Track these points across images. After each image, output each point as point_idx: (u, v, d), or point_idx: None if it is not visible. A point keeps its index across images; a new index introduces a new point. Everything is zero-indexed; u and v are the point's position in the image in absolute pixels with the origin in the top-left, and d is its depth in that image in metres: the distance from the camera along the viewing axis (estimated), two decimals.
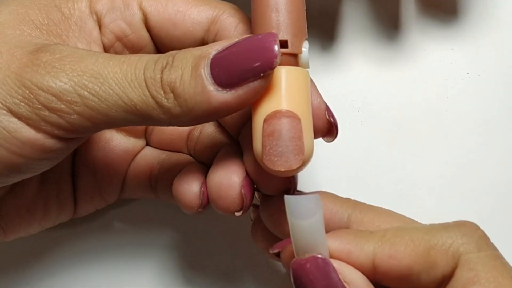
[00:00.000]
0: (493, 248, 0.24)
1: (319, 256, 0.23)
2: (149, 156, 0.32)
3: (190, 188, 0.28)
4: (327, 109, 0.27)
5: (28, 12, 0.27)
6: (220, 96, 0.24)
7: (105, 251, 0.35)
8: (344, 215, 0.27)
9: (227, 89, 0.24)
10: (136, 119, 0.25)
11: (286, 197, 0.23)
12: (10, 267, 0.34)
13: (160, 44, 0.29)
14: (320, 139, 0.28)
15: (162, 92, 0.24)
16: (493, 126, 0.35)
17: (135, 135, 0.32)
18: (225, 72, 0.24)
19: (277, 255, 0.26)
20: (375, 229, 0.25)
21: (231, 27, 0.28)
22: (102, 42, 0.28)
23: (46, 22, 0.27)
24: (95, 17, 0.28)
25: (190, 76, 0.24)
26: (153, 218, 0.35)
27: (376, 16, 0.36)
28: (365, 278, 0.23)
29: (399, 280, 0.23)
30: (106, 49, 0.29)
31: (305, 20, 0.26)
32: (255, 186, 0.28)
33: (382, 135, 0.35)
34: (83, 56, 0.25)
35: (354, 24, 0.36)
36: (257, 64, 0.24)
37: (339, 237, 0.24)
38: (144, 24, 0.28)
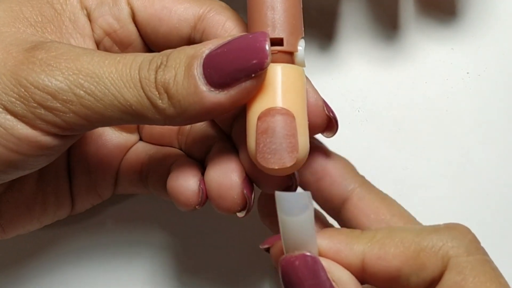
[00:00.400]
0: (483, 252, 0.24)
1: (308, 254, 0.23)
2: (140, 150, 0.32)
3: (187, 185, 0.27)
4: (325, 104, 0.27)
5: (22, 9, 0.27)
6: (213, 96, 0.24)
7: (101, 249, 0.35)
8: (350, 186, 0.27)
9: (220, 90, 0.24)
10: (131, 119, 0.25)
11: (277, 193, 0.23)
12: (5, 266, 0.35)
13: (148, 40, 0.29)
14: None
15: (157, 93, 0.24)
16: (493, 126, 0.35)
17: (127, 130, 0.32)
18: (217, 72, 0.24)
19: (267, 250, 0.26)
20: (371, 211, 0.26)
21: (219, 24, 0.27)
22: (94, 38, 0.28)
23: (40, 19, 0.27)
24: (85, 12, 0.28)
25: (183, 76, 0.24)
26: (149, 216, 0.35)
27: (376, 15, 0.36)
28: (353, 277, 0.24)
29: (388, 281, 0.23)
30: (97, 44, 0.29)
31: (302, 18, 0.26)
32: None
33: (382, 135, 0.35)
34: (79, 54, 0.25)
35: (353, 24, 0.36)
36: (248, 65, 0.23)
37: (329, 236, 0.24)
38: (132, 19, 0.28)
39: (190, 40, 0.28)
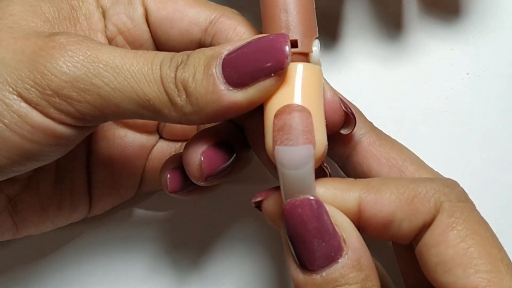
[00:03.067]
0: (472, 202, 0.25)
1: (312, 198, 0.23)
2: (166, 147, 0.32)
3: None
4: (342, 101, 0.27)
5: (40, 5, 0.27)
6: (231, 95, 0.24)
7: (106, 247, 0.35)
8: (360, 131, 0.28)
9: (238, 89, 0.24)
10: (146, 114, 0.25)
11: (278, 148, 0.23)
12: (10, 267, 0.34)
13: (158, 41, 0.29)
14: None
15: (176, 90, 0.24)
16: (493, 126, 0.35)
17: (147, 132, 0.32)
18: (237, 71, 0.24)
19: (258, 206, 0.26)
20: (382, 156, 0.27)
21: (230, 28, 0.28)
22: (106, 35, 0.29)
23: (57, 15, 0.27)
24: (100, 10, 0.29)
25: (202, 75, 0.24)
26: (156, 214, 0.35)
27: (377, 16, 0.36)
28: (352, 223, 0.24)
29: (381, 227, 0.24)
30: (109, 42, 0.29)
31: (315, 19, 0.26)
32: None
33: None
34: (99, 44, 0.25)
35: (355, 24, 0.36)
36: (268, 65, 0.24)
37: (325, 184, 0.25)
38: (145, 20, 0.29)
39: (201, 44, 0.28)
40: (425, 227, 0.24)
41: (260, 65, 0.24)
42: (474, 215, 0.24)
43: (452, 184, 0.25)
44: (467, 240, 0.23)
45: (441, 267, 0.23)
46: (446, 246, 0.23)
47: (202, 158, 0.27)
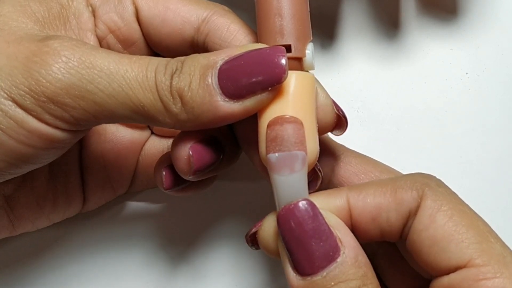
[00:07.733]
0: (450, 189, 0.26)
1: (306, 201, 0.24)
2: (158, 144, 0.33)
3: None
4: (334, 103, 0.27)
5: (30, 4, 0.27)
6: (227, 106, 0.24)
7: (103, 245, 0.35)
8: (336, 154, 0.29)
9: (234, 100, 0.24)
10: (140, 119, 0.25)
11: (270, 155, 0.24)
12: (8, 265, 0.34)
13: (150, 40, 0.29)
14: None
15: (171, 98, 0.24)
16: (492, 126, 0.35)
17: (138, 127, 0.32)
18: (233, 84, 0.24)
19: (251, 242, 0.26)
20: (360, 171, 0.29)
21: (223, 27, 0.28)
22: (96, 34, 0.29)
23: (47, 15, 0.27)
24: (90, 9, 0.29)
25: (198, 84, 0.24)
26: (153, 213, 0.35)
27: (376, 16, 0.36)
28: (344, 224, 0.25)
29: (371, 222, 0.25)
30: (99, 41, 0.29)
31: (309, 22, 0.26)
32: None
33: (381, 136, 0.36)
34: (93, 49, 0.25)
35: (353, 24, 0.36)
36: (265, 79, 0.24)
37: (313, 194, 0.25)
38: (136, 18, 0.29)
39: (193, 42, 0.28)
40: (412, 215, 0.25)
41: (257, 79, 0.24)
42: (456, 197, 0.25)
43: (429, 175, 0.26)
44: (454, 218, 0.24)
45: (435, 248, 0.24)
46: (436, 227, 0.24)
47: (190, 152, 0.27)
